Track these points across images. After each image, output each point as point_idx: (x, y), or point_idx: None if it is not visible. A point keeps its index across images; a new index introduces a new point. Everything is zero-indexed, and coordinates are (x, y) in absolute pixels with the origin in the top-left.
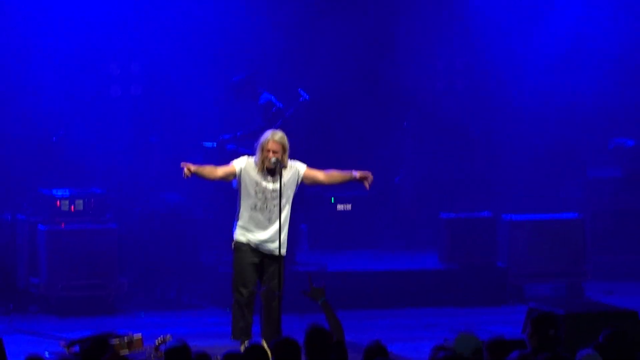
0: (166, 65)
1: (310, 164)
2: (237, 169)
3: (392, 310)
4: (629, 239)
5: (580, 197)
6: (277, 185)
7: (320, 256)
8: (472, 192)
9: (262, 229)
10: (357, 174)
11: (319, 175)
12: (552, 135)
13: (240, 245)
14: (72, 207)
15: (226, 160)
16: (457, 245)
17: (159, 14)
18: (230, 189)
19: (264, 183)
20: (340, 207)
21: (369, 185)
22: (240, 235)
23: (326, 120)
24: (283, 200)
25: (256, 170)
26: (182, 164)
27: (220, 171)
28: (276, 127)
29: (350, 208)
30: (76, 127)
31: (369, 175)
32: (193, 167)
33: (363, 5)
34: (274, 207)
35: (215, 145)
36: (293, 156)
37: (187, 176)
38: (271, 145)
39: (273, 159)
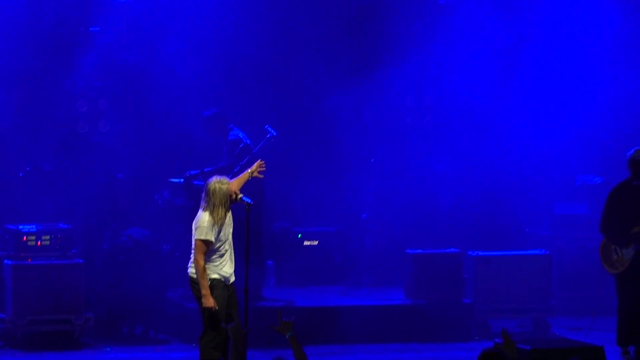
0: (133, 100)
1: (277, 200)
2: (212, 238)
3: (359, 346)
4: (595, 275)
5: (547, 233)
6: (230, 219)
7: (287, 292)
8: (439, 228)
9: (230, 263)
10: (251, 167)
11: (233, 185)
12: (518, 172)
13: (217, 282)
14: (39, 242)
15: (193, 196)
16: (423, 281)
17: (125, 50)
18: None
19: (225, 226)
20: (307, 242)
21: (262, 170)
22: (213, 274)
23: (293, 156)
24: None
25: (218, 220)
26: (206, 303)
27: (203, 257)
28: (243, 164)
29: (317, 243)
30: (43, 163)
31: (260, 162)
32: (208, 295)
33: (330, 39)
34: (231, 240)
35: (182, 181)
36: (260, 193)
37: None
38: (233, 187)
39: (241, 196)
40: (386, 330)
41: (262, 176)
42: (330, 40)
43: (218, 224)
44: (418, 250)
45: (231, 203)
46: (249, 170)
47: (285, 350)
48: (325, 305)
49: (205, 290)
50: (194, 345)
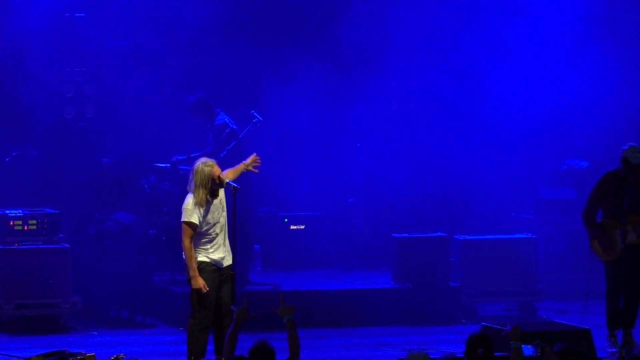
0: (120, 86)
1: (264, 184)
2: (196, 220)
3: (346, 329)
4: (581, 258)
5: (533, 217)
6: (222, 203)
7: (273, 276)
8: (426, 212)
9: (222, 248)
10: (246, 161)
11: (228, 175)
12: (505, 156)
13: (205, 265)
14: (25, 227)
15: (179, 181)
16: (410, 264)
17: (111, 36)
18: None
19: (213, 209)
20: (293, 226)
21: (258, 166)
22: (202, 257)
23: (281, 140)
24: (225, 215)
25: (202, 204)
26: (194, 284)
27: (191, 241)
28: (229, 148)
29: (303, 228)
30: (30, 148)
31: (255, 157)
32: (196, 276)
33: (321, 25)
34: (224, 224)
35: (168, 166)
36: (247, 178)
37: (204, 288)
38: (217, 170)
39: (227, 180)
40: (373, 313)
41: (257, 171)
42: (320, 28)
43: (202, 206)
44: (405, 234)
45: (216, 187)
46: (245, 163)
47: (270, 334)
48: (312, 289)
49: (194, 272)
50: (180, 328)
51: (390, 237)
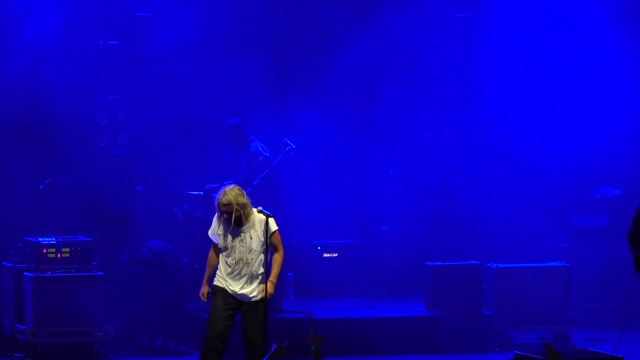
0: (153, 113)
1: (296, 212)
2: (210, 234)
3: (379, 357)
4: (614, 287)
5: (566, 246)
6: (244, 238)
7: (306, 304)
8: (458, 240)
9: (238, 281)
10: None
11: (275, 250)
12: (538, 184)
13: (218, 290)
14: (59, 254)
15: (212, 209)
16: (442, 292)
17: (144, 63)
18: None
19: (230, 235)
20: (326, 254)
21: (263, 294)
22: (217, 281)
23: (313, 168)
24: (252, 251)
25: (222, 227)
26: (201, 296)
27: (215, 254)
28: (262, 176)
29: (336, 256)
30: (63, 175)
31: (268, 291)
32: (205, 287)
33: (353, 53)
34: (246, 260)
35: (202, 194)
36: (278, 205)
37: (202, 297)
38: (222, 208)
39: (260, 208)
40: (406, 341)
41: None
42: (352, 53)
43: (217, 226)
44: (437, 262)
45: (221, 214)
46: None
47: None
48: (345, 317)
49: (203, 280)
50: None
51: (423, 265)
